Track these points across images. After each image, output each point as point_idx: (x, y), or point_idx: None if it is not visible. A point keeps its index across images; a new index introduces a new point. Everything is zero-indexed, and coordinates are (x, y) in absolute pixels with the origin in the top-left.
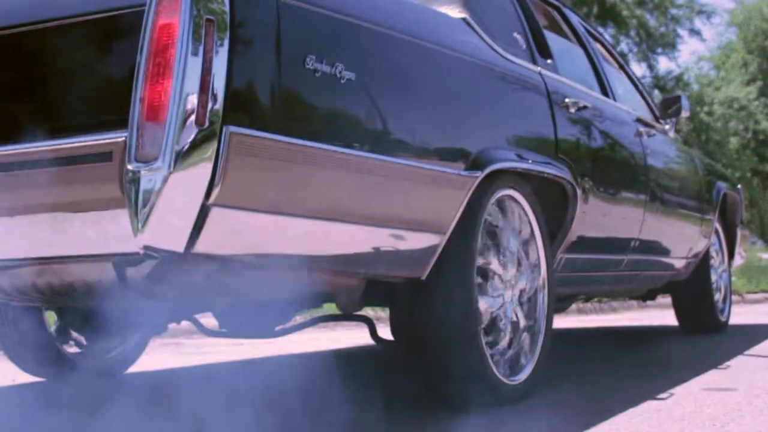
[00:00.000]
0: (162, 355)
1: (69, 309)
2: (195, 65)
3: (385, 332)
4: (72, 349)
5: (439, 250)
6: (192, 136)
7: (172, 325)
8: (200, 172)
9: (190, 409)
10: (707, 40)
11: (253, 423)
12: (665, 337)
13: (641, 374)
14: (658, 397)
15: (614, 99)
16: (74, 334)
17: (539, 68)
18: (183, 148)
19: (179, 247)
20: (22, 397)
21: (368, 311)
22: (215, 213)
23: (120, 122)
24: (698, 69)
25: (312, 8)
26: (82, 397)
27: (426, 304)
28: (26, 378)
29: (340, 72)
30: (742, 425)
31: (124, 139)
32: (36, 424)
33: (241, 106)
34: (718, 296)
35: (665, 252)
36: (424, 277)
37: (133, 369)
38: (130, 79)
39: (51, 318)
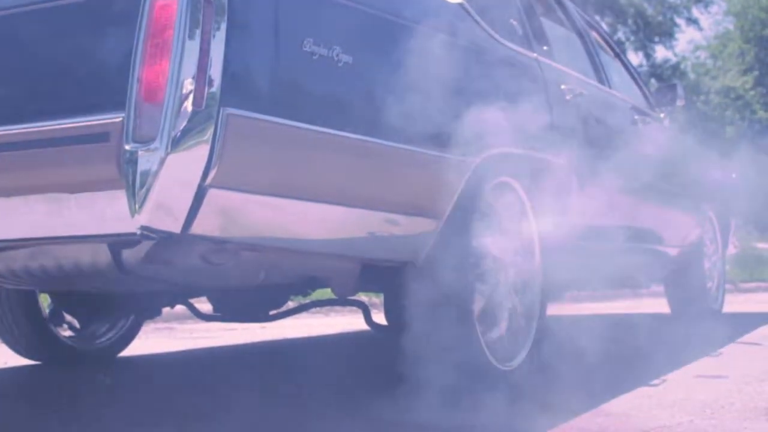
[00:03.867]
0: (155, 339)
1: (63, 292)
2: (193, 47)
3: (380, 317)
4: (65, 332)
5: (435, 235)
6: (189, 118)
7: (165, 310)
8: (197, 153)
9: (179, 393)
10: (705, 29)
11: (241, 407)
12: (658, 325)
13: (634, 361)
14: (651, 383)
15: (610, 87)
16: (68, 317)
17: (536, 55)
18: (180, 129)
19: (176, 228)
20: (12, 380)
21: (362, 296)
22: (212, 194)
23: (117, 103)
24: (695, 58)
25: None
26: (72, 380)
27: (421, 290)
28: (18, 361)
29: (337, 55)
30: (732, 412)
31: (121, 119)
32: (23, 407)
33: (238, 88)
34: (711, 284)
35: (659, 240)
36: (419, 262)
37: (125, 353)
38: (127, 59)
39: (45, 300)
